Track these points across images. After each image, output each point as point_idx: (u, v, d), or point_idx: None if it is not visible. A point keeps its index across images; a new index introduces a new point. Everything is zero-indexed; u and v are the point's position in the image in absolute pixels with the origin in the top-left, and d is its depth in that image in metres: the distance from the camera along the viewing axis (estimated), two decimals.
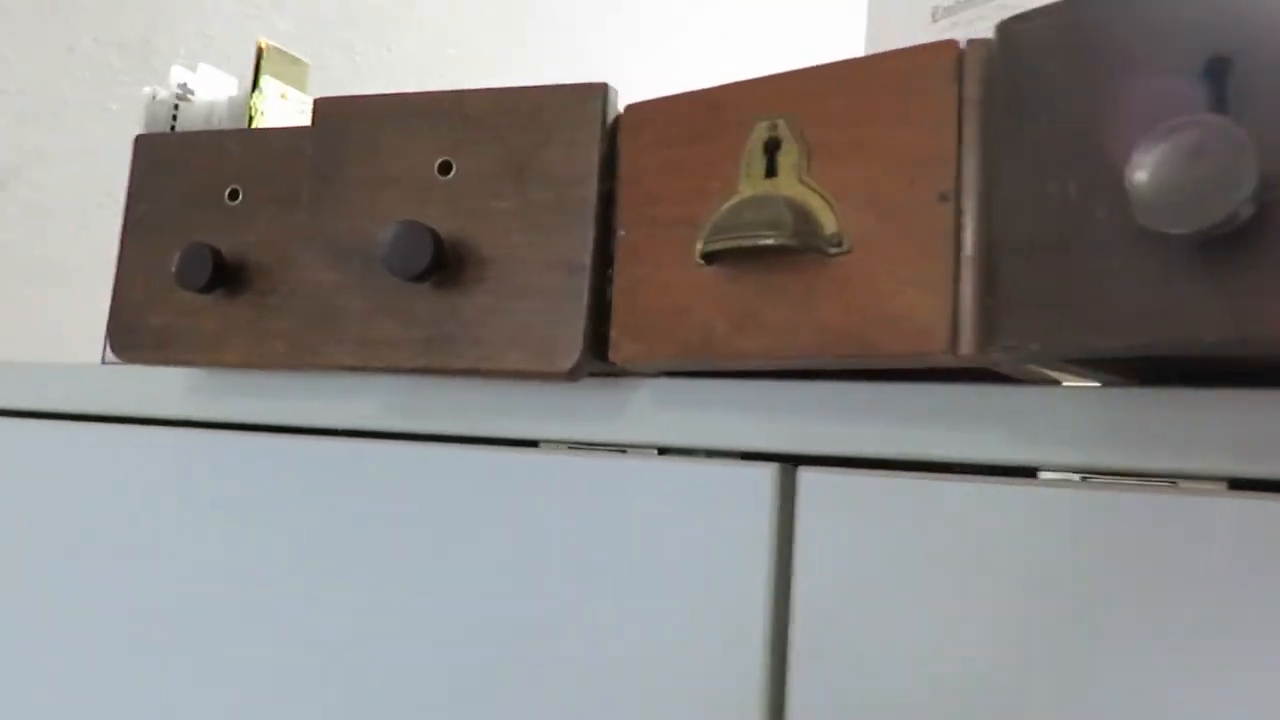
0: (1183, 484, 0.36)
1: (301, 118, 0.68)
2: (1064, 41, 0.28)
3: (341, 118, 0.44)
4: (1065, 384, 0.36)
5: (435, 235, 0.40)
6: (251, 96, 0.65)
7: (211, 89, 0.67)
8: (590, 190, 0.40)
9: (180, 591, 0.52)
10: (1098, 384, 0.36)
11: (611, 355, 0.39)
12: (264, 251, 0.48)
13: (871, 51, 0.78)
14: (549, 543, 0.43)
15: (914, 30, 0.75)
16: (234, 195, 0.49)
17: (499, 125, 0.41)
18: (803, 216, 0.33)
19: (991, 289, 0.30)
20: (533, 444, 0.47)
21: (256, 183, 0.48)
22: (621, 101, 0.41)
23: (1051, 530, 0.36)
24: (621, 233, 0.39)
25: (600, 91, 0.40)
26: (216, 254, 0.47)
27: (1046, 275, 0.28)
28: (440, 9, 1.43)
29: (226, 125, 0.66)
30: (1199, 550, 0.34)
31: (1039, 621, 0.36)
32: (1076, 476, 0.37)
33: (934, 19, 0.74)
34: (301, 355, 0.44)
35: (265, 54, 0.65)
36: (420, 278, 0.40)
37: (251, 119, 0.65)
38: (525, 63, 1.51)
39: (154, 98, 0.68)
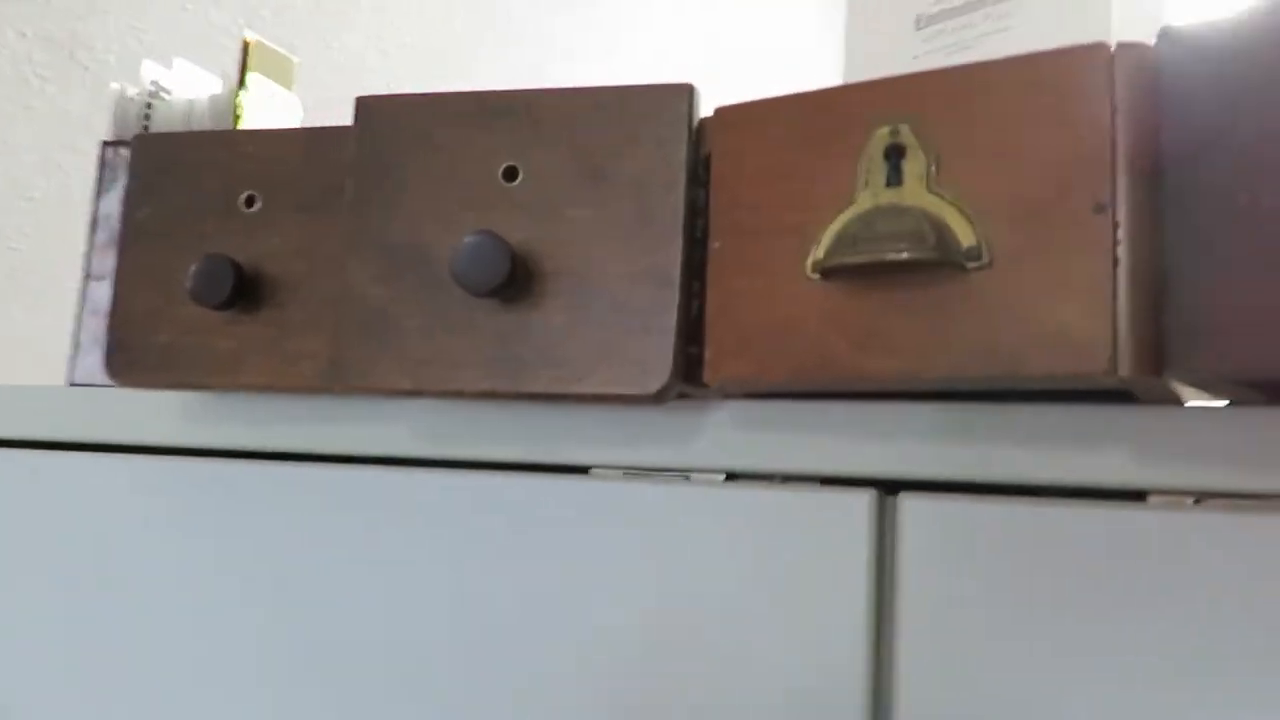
0: None
1: (289, 117, 0.63)
2: (1254, 45, 0.27)
3: (390, 118, 0.40)
4: (1188, 404, 0.35)
5: (511, 248, 0.36)
6: (237, 95, 0.60)
7: (189, 86, 0.62)
8: (678, 197, 0.37)
9: (176, 642, 0.47)
10: (1224, 403, 0.35)
11: (707, 377, 0.36)
12: (288, 263, 0.44)
13: (853, 59, 0.77)
14: (599, 582, 0.40)
15: (898, 38, 0.74)
16: (250, 201, 0.45)
17: (572, 128, 0.38)
18: (939, 229, 0.31)
19: (1173, 309, 0.28)
20: (583, 470, 0.44)
21: (278, 187, 0.44)
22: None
23: (1162, 555, 0.35)
24: (716, 244, 0.36)
25: (687, 92, 0.38)
26: (238, 267, 0.43)
27: (1241, 294, 0.27)
28: (384, 7, 1.38)
29: (208, 125, 0.61)
30: None
31: (1150, 651, 0.34)
32: (1190, 499, 0.36)
33: (918, 26, 0.73)
34: (345, 377, 0.40)
35: (252, 50, 0.60)
36: (495, 293, 0.37)
37: (237, 118, 0.60)
38: (466, 63, 1.47)
39: (122, 94, 0.62)
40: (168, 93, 0.62)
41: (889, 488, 0.38)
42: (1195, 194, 0.29)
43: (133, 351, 0.46)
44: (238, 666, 0.46)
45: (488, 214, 0.39)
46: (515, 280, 0.37)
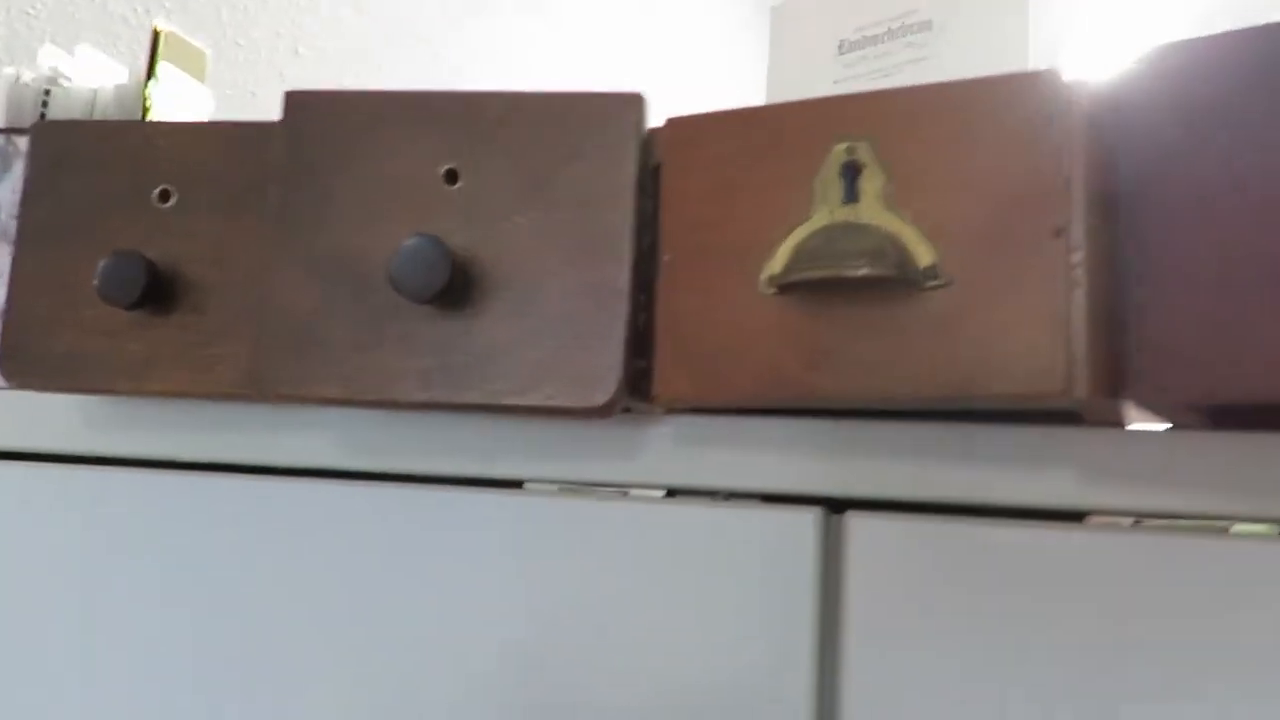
0: (1236, 528, 0.36)
1: (201, 111, 0.60)
2: (1211, 75, 0.27)
3: (325, 115, 0.38)
4: (1130, 427, 0.36)
5: (453, 253, 0.35)
6: (146, 85, 0.57)
7: (93, 74, 0.59)
8: (627, 208, 0.36)
9: (68, 665, 0.44)
10: (1165, 427, 0.35)
11: (657, 392, 0.35)
12: (206, 263, 0.41)
13: (775, 82, 0.77)
14: (530, 602, 0.39)
15: (820, 60, 0.74)
16: (164, 196, 0.42)
17: (518, 132, 0.37)
18: (898, 247, 0.31)
19: (1129, 333, 0.29)
20: (517, 484, 0.42)
21: (196, 183, 0.42)
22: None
23: (1101, 575, 0.35)
24: (666, 257, 0.36)
25: (637, 101, 0.37)
26: (151, 265, 0.40)
27: (1195, 321, 0.27)
28: (295, 3, 1.33)
29: (113, 116, 0.57)
30: (1249, 596, 0.34)
31: (1090, 669, 0.34)
32: (1128, 520, 0.37)
33: (840, 51, 0.74)
34: (272, 384, 0.38)
35: (163, 40, 0.57)
36: (434, 300, 0.35)
37: (146, 110, 0.57)
38: (378, 65, 1.44)
39: (17, 79, 0.58)
40: (68, 80, 0.59)
41: (834, 506, 0.38)
42: (1151, 221, 0.29)
43: (31, 354, 0.42)
44: (140, 687, 0.43)
45: (426, 218, 0.37)
46: (455, 287, 0.35)
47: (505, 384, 0.36)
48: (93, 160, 0.43)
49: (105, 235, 0.42)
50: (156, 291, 0.40)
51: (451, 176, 0.37)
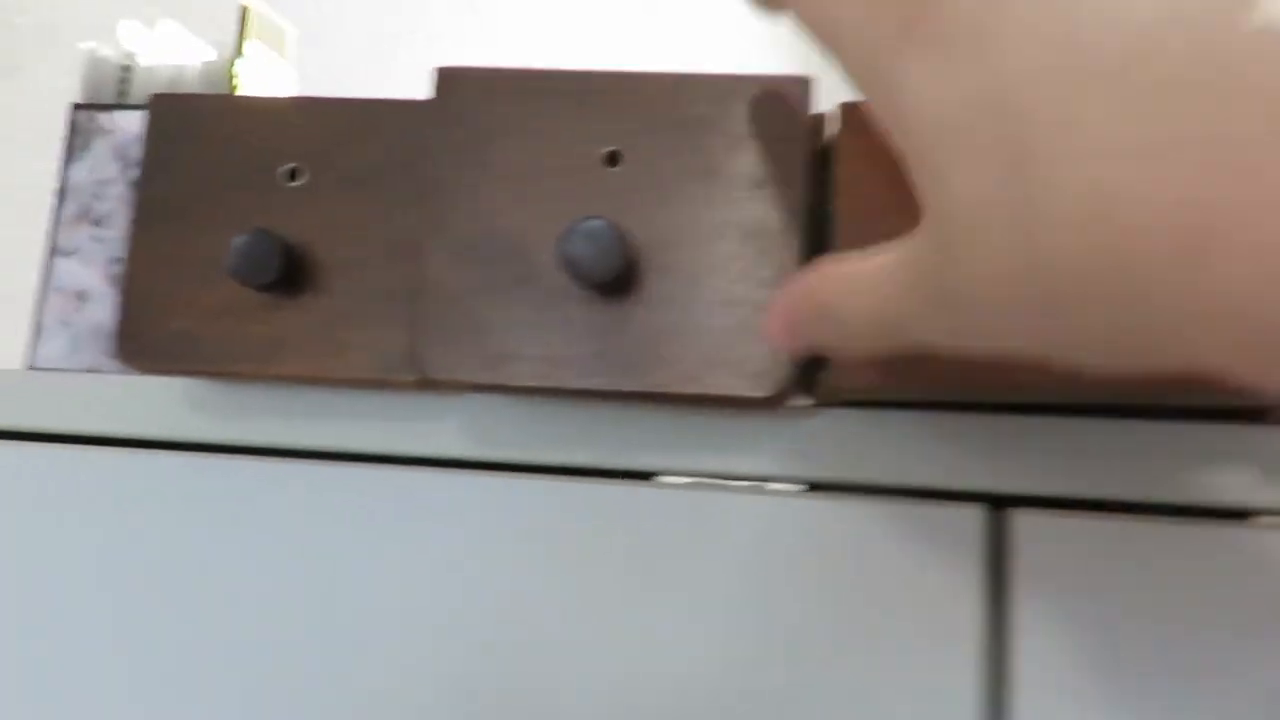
0: None
1: (286, 89, 0.59)
2: None
3: (481, 92, 0.37)
4: None
5: (626, 237, 0.34)
6: (233, 63, 0.55)
7: (175, 51, 0.57)
8: (797, 195, 0.35)
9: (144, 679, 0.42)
10: None
11: (836, 381, 0.34)
12: (334, 245, 0.40)
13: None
14: (658, 603, 0.38)
15: None
16: (293, 174, 0.41)
17: (683, 115, 0.36)
18: None
19: None
20: (644, 476, 0.41)
21: (330, 160, 0.41)
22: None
23: (1266, 575, 0.35)
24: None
25: (806, 85, 0.36)
26: (286, 245, 0.39)
27: None
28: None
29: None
30: None
31: (1261, 669, 0.34)
32: None
33: None
34: (425, 369, 0.36)
35: (249, 16, 0.56)
36: (609, 285, 0.34)
37: (233, 88, 0.55)
38: (380, 56, 1.42)
39: (95, 54, 0.57)
40: (147, 56, 0.57)
41: (993, 503, 0.37)
42: None
43: (147, 337, 0.41)
44: (257, 677, 0.41)
45: (587, 200, 0.36)
46: (625, 272, 0.35)
47: (670, 372, 0.35)
48: (216, 135, 0.41)
49: (230, 214, 0.41)
50: (292, 273, 0.39)
51: (613, 159, 0.36)
